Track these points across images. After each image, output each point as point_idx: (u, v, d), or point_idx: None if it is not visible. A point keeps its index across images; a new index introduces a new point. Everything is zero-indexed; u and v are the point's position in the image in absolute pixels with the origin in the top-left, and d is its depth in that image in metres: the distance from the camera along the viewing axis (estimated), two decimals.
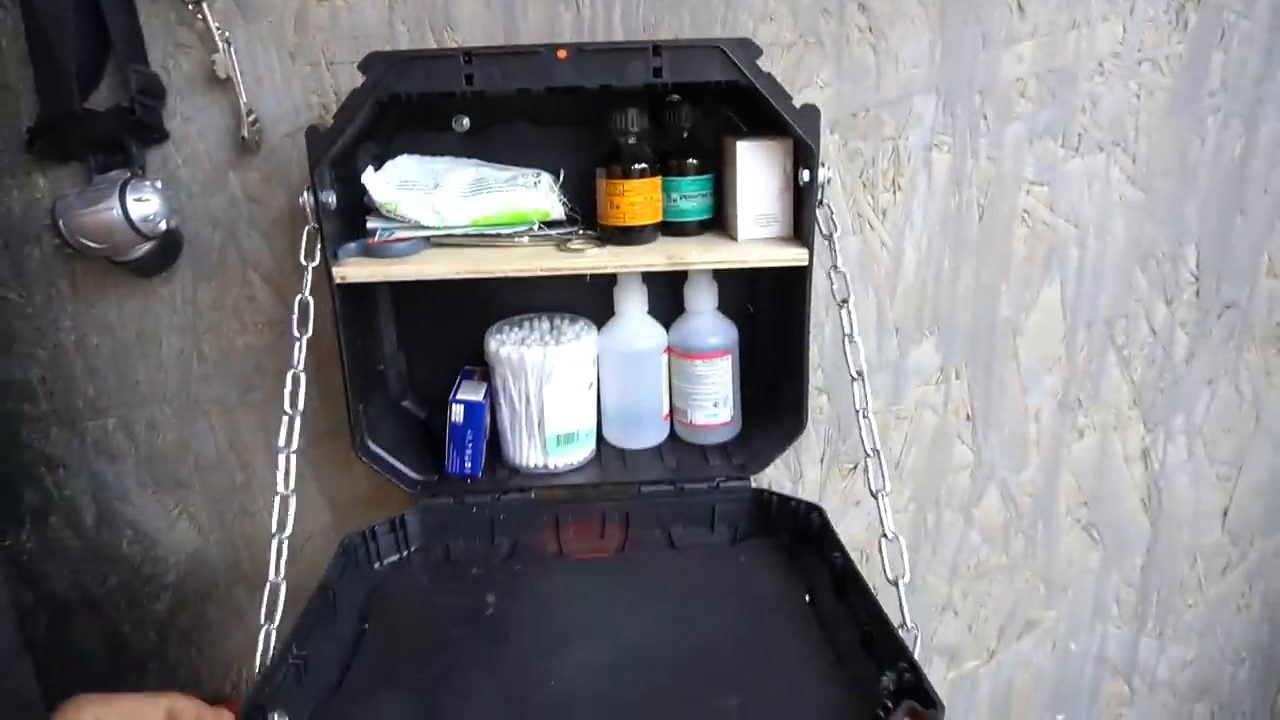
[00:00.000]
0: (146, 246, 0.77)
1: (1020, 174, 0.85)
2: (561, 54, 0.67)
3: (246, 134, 0.77)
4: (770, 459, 0.80)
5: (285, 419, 0.68)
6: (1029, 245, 0.87)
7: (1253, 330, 0.92)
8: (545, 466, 0.80)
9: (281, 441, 0.67)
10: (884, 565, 0.63)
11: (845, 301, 0.72)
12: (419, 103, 0.75)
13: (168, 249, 0.79)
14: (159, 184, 0.76)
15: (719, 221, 0.79)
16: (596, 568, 0.75)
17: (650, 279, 0.81)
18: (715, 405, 0.81)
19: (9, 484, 0.90)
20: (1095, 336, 0.91)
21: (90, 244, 0.74)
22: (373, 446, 0.78)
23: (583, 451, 0.81)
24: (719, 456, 0.82)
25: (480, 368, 0.83)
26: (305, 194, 0.69)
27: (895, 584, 0.62)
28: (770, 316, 0.84)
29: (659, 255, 0.73)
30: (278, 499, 0.66)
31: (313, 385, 0.86)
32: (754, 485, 0.79)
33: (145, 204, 0.74)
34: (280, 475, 0.66)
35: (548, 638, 0.65)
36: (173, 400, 0.88)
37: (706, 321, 0.81)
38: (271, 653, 0.61)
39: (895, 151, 0.83)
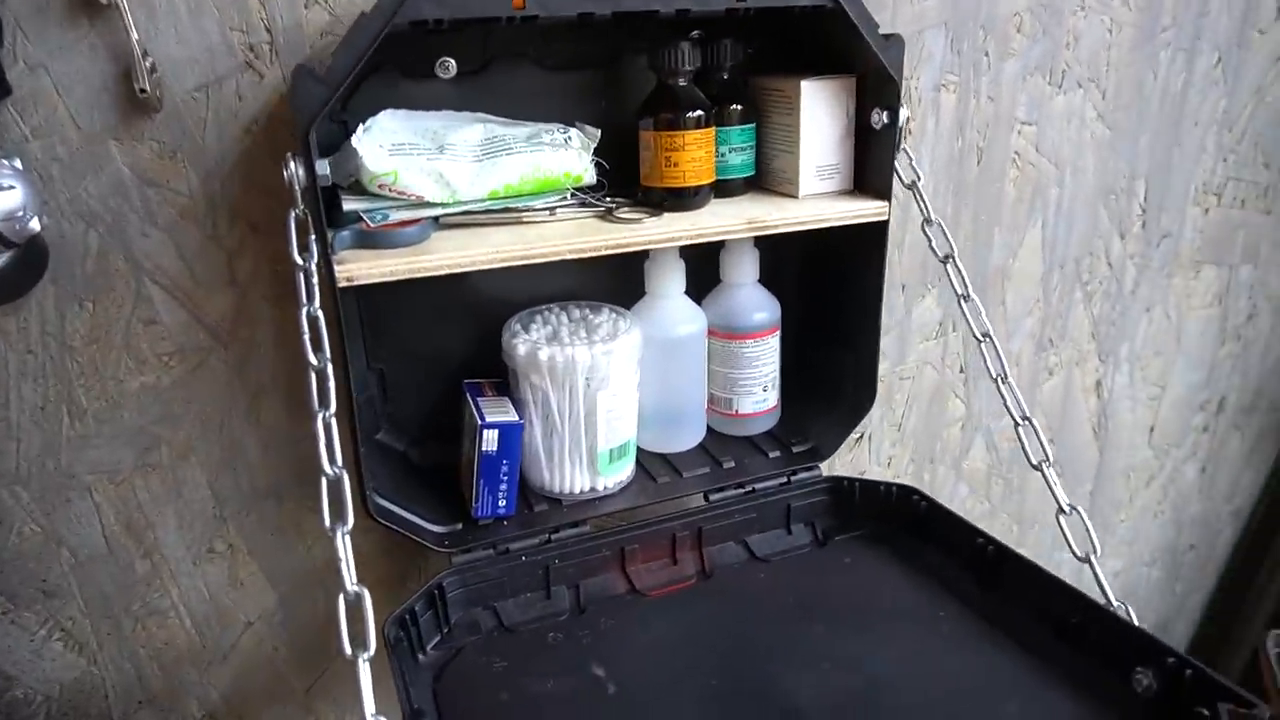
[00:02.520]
0: (2, 259, 0.51)
1: (1014, 114, 0.82)
2: None
3: (147, 87, 0.53)
4: (838, 441, 0.71)
5: (325, 481, 0.47)
6: (1018, 187, 0.85)
7: (1180, 257, 0.98)
8: (593, 490, 0.65)
9: (328, 520, 0.47)
10: (1068, 542, 0.57)
11: (949, 257, 0.64)
12: (389, 40, 0.56)
13: (31, 260, 0.54)
14: (18, 163, 0.51)
15: (757, 178, 0.68)
16: (692, 603, 0.62)
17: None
18: (765, 390, 0.71)
19: None
20: (1066, 276, 0.92)
21: None
22: (383, 502, 0.59)
23: (630, 466, 0.68)
24: (776, 447, 0.72)
25: (487, 380, 0.66)
26: (293, 164, 0.49)
27: (1087, 560, 0.57)
28: (810, 281, 0.74)
29: (733, 219, 0.61)
30: (343, 576, 0.45)
31: (248, 430, 0.65)
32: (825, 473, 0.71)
33: (7, 194, 0.49)
34: (343, 563, 0.47)
35: (716, 710, 0.52)
36: (31, 479, 0.61)
37: (749, 295, 0.70)
38: None
39: (909, 94, 0.77)
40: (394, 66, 0.60)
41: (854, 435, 0.88)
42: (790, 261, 0.74)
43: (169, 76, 0.56)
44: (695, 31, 0.65)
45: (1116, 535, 1.12)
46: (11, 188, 0.49)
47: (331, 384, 0.48)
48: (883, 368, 0.86)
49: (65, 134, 0.55)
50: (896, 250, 0.82)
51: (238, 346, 0.63)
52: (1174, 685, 0.48)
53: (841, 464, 0.89)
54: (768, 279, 0.71)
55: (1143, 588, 1.19)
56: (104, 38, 0.54)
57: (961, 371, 0.91)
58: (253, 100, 0.58)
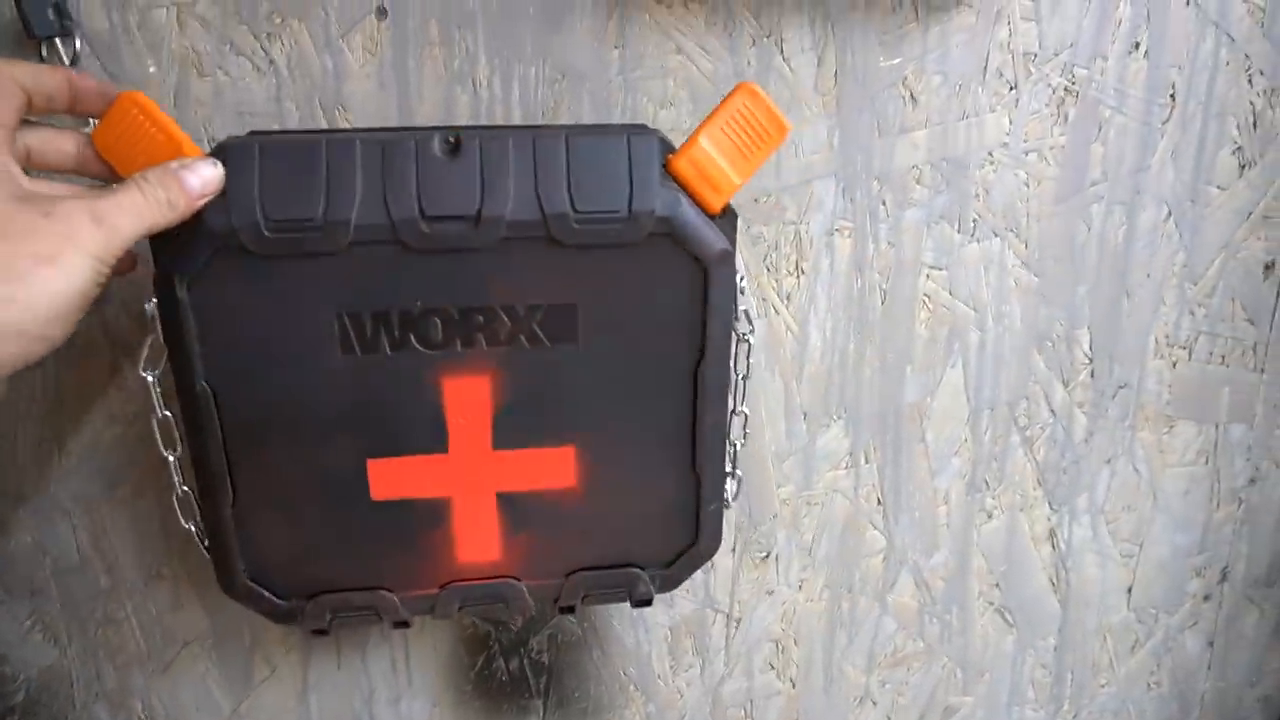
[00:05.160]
0: None
1: (920, 258, 0.86)
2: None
3: None
4: None
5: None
6: (931, 328, 0.88)
7: (1145, 410, 0.95)
8: None
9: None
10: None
11: (745, 338, 0.72)
12: None
13: None
14: None
15: None
16: None
17: None
18: None
19: None
20: (999, 418, 0.92)
21: None
22: None
23: None
24: None
25: None
26: (148, 306, 0.64)
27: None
28: None
29: None
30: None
31: None
32: None
33: None
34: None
35: None
36: (28, 498, 0.80)
37: None
38: None
39: (798, 236, 0.83)
40: None
41: (760, 553, 0.92)
42: None
43: None
44: None
45: (1097, 701, 1.05)
46: None
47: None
48: (786, 491, 0.91)
49: None
50: (795, 381, 0.87)
51: None
52: None
53: (748, 580, 0.93)
54: None
55: None
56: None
57: (879, 503, 0.92)
58: None
